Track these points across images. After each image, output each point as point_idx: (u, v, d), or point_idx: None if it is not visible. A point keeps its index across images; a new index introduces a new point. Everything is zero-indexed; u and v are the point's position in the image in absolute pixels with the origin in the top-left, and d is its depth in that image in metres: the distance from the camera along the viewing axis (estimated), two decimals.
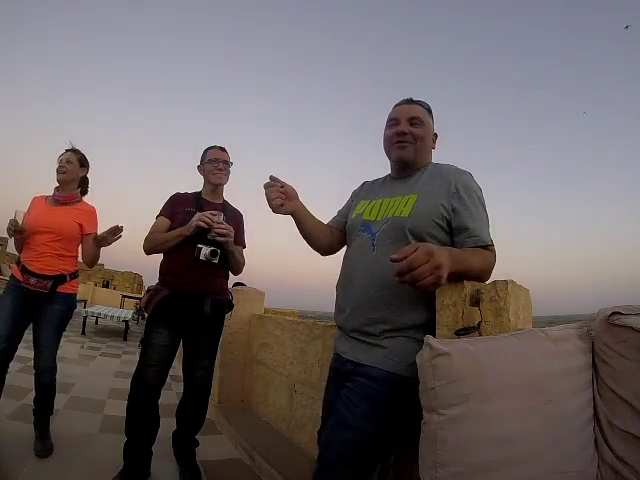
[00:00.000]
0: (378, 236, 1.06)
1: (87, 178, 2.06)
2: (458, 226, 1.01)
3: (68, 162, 1.93)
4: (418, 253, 0.79)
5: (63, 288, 1.86)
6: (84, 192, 2.04)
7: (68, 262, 1.90)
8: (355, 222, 1.17)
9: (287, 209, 1.15)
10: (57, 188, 1.95)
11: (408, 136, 1.11)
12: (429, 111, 1.17)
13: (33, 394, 1.90)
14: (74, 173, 1.96)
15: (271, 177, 1.15)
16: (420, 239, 0.99)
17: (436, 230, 1.01)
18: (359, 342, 1.05)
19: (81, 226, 1.91)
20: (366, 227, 1.11)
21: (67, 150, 1.98)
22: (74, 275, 1.92)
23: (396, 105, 1.18)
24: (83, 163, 2.01)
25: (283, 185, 1.15)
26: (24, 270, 1.80)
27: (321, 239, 1.26)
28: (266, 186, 1.14)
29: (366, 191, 1.26)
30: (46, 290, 1.80)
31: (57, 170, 1.92)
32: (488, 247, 1.00)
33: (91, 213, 1.99)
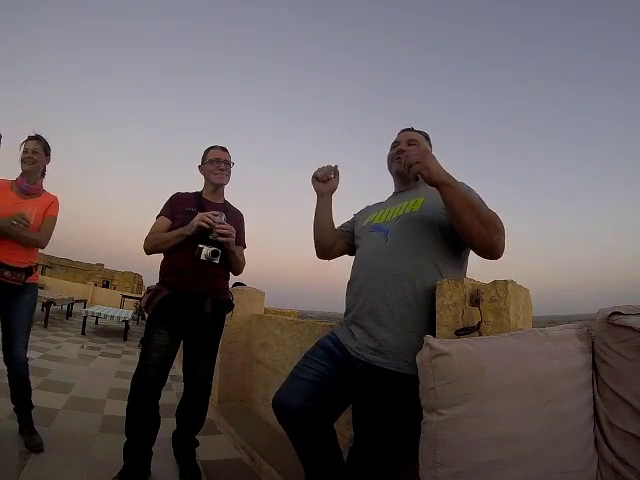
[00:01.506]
0: (391, 231, 1.16)
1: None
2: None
3: (35, 152, 1.88)
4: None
5: (30, 279, 1.89)
6: (43, 177, 2.02)
7: (33, 254, 1.92)
8: (365, 227, 1.30)
9: (322, 188, 1.38)
10: (23, 176, 1.90)
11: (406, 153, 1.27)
12: (427, 137, 1.37)
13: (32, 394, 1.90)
14: (41, 163, 1.93)
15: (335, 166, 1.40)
16: (431, 224, 1.10)
17: (443, 219, 1.10)
18: (368, 336, 1.07)
19: (43, 215, 1.91)
20: (376, 228, 1.22)
21: (31, 138, 1.92)
22: (37, 266, 1.96)
23: (399, 133, 1.37)
24: (47, 152, 1.97)
25: (335, 174, 1.39)
26: None
27: (328, 237, 1.41)
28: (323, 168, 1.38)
29: (373, 208, 1.40)
30: (21, 283, 1.82)
31: (23, 160, 1.88)
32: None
33: (54, 204, 1.98)
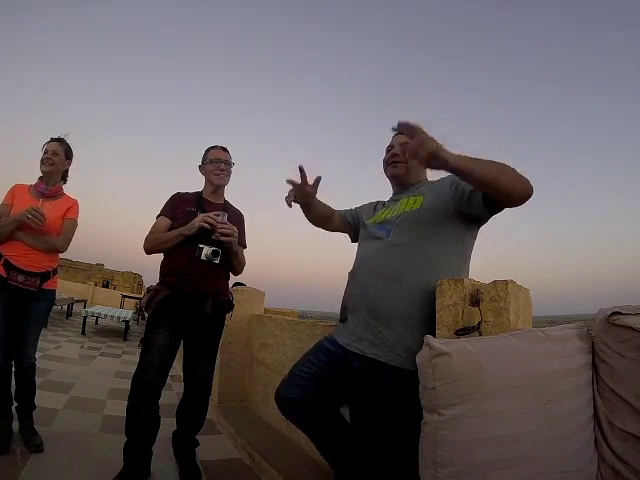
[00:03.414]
0: (393, 230, 1.16)
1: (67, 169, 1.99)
2: (463, 196, 1.06)
3: (54, 154, 1.85)
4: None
5: (47, 284, 1.84)
6: (64, 182, 1.99)
7: (52, 258, 1.86)
8: (368, 226, 1.32)
9: (299, 201, 1.39)
10: (41, 179, 1.87)
11: (400, 156, 1.27)
12: None
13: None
14: (60, 165, 1.89)
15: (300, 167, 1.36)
16: (431, 224, 1.09)
17: (445, 216, 1.10)
18: (364, 329, 1.09)
19: (63, 217, 1.87)
20: (379, 227, 1.24)
21: (53, 139, 1.90)
22: (55, 271, 1.90)
23: (392, 136, 1.35)
24: (68, 155, 1.94)
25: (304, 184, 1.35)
26: (8, 266, 1.72)
27: (323, 216, 1.49)
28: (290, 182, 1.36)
29: (377, 208, 1.41)
30: (35, 288, 1.76)
31: (43, 161, 1.84)
32: None
33: (74, 207, 1.94)
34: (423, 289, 1.03)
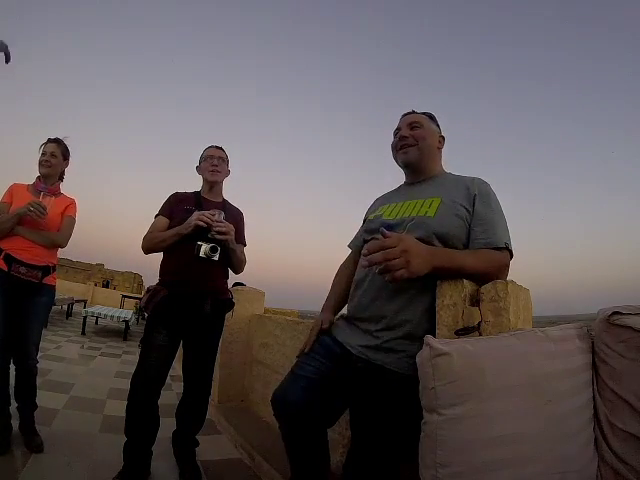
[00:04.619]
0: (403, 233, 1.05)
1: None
2: (473, 228, 1.04)
3: (53, 156, 1.87)
4: (390, 240, 0.85)
5: (47, 280, 1.85)
6: (61, 181, 2.02)
7: (52, 254, 1.89)
8: (374, 222, 1.20)
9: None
10: (39, 178, 1.90)
11: (409, 139, 1.19)
12: (431, 117, 1.26)
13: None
14: (58, 167, 1.92)
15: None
16: (444, 240, 1.02)
17: (459, 231, 1.04)
18: (372, 337, 1.05)
19: (62, 214, 1.91)
20: (387, 227, 1.09)
21: (50, 140, 1.92)
22: (54, 268, 1.92)
23: (400, 118, 1.27)
24: (66, 156, 1.96)
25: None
26: (10, 259, 1.74)
27: (348, 285, 1.31)
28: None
29: (383, 199, 1.31)
30: (37, 280, 1.78)
31: (41, 162, 1.86)
32: (501, 249, 1.00)
33: (72, 205, 1.97)
34: (429, 298, 0.99)
